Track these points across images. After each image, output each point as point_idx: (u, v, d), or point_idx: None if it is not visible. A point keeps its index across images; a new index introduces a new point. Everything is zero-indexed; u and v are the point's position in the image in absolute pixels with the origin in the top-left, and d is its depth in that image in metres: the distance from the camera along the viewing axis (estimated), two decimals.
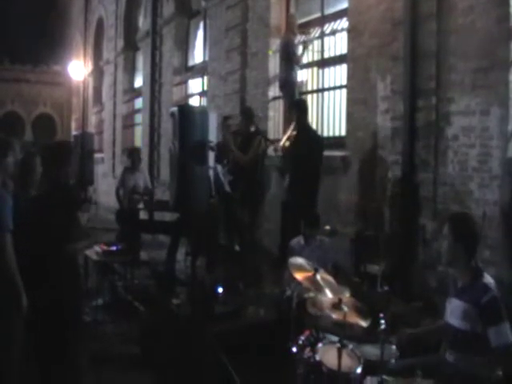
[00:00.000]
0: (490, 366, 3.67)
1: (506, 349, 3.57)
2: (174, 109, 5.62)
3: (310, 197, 6.90)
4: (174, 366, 5.22)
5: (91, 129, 19.68)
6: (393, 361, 3.96)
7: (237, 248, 7.83)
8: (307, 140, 7.21)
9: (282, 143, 7.61)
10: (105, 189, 16.48)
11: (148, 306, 6.90)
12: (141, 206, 9.49)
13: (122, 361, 5.80)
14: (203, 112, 5.65)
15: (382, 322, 3.50)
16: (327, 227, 5.91)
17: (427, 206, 6.40)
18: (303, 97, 8.77)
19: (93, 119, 20.82)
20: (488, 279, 3.78)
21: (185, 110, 5.53)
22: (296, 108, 7.45)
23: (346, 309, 3.94)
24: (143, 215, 9.28)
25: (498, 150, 5.70)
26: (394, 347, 4.08)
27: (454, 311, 3.86)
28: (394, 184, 6.81)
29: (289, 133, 7.51)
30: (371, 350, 4.02)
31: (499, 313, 3.64)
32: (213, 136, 5.94)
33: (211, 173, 6.27)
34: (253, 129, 7.94)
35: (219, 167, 7.46)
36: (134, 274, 7.81)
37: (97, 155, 18.99)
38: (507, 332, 3.60)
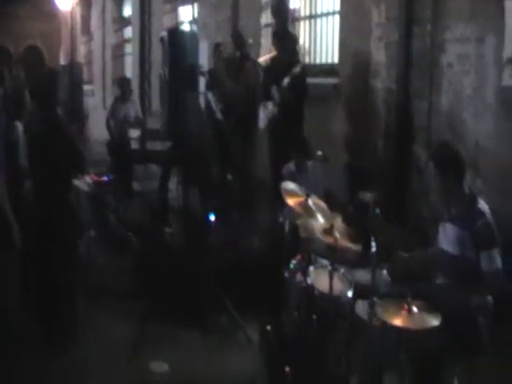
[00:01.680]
0: (481, 292, 3.72)
1: (496, 274, 3.61)
2: (164, 33, 5.48)
3: (295, 124, 6.86)
4: (168, 297, 5.27)
5: (80, 59, 19.35)
6: (384, 286, 4.01)
7: (229, 177, 7.82)
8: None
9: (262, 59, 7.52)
10: (96, 121, 16.32)
11: (141, 237, 6.93)
12: (132, 135, 9.43)
13: (115, 293, 5.86)
14: (193, 36, 5.51)
15: (373, 245, 3.51)
16: (319, 153, 5.87)
17: (421, 134, 6.37)
18: (296, 23, 8.61)
19: (81, 50, 20.43)
20: (482, 205, 3.78)
21: (175, 34, 5.38)
22: (275, 40, 7.34)
23: (337, 234, 3.96)
24: (135, 145, 9.21)
25: (493, 77, 5.63)
26: (385, 272, 4.12)
27: (447, 237, 3.88)
28: (387, 112, 6.76)
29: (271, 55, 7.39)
30: (362, 275, 4.05)
31: (492, 238, 3.65)
32: (204, 64, 5.83)
33: (202, 99, 6.19)
34: (244, 54, 7.81)
35: (210, 94, 7.37)
36: (126, 205, 7.81)
37: (86, 87, 18.73)
38: (498, 258, 3.63)
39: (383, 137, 6.83)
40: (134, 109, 9.76)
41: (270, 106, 7.13)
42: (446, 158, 3.88)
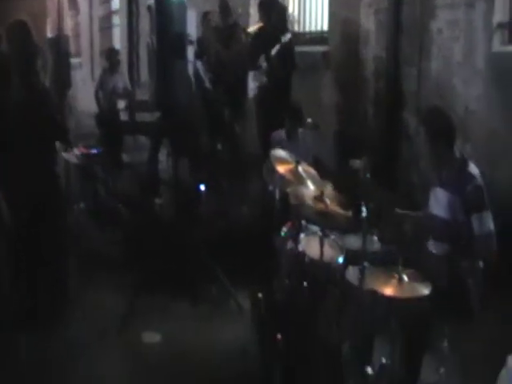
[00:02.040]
0: (471, 255, 3.72)
1: (487, 237, 3.61)
2: (151, 1, 5.38)
3: (284, 93, 6.81)
4: (158, 268, 5.25)
5: (67, 32, 19.06)
6: (374, 251, 4.01)
7: (219, 147, 7.75)
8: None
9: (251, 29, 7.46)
10: (84, 94, 16.11)
11: (131, 208, 6.89)
12: (120, 107, 9.33)
13: (106, 264, 5.82)
14: (181, 4, 5.39)
15: (364, 210, 3.49)
16: (309, 120, 5.82)
17: (411, 101, 6.35)
18: None
19: (68, 23, 20.12)
20: (473, 168, 3.76)
21: (162, 2, 5.28)
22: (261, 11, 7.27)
23: (328, 201, 3.93)
24: (124, 117, 9.11)
25: (482, 43, 5.60)
26: (375, 238, 4.12)
27: (438, 201, 3.86)
28: (377, 79, 6.72)
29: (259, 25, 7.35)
30: (354, 241, 4.04)
31: (483, 201, 3.64)
32: (192, 33, 5.75)
33: (191, 69, 6.11)
34: (232, 23, 7.74)
35: (199, 63, 7.29)
36: (115, 177, 7.76)
37: (74, 60, 18.46)
38: (489, 221, 3.62)
39: (373, 104, 6.80)
40: (122, 80, 9.66)
41: (259, 75, 7.09)
42: (436, 123, 3.84)
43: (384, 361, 3.51)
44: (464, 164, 3.77)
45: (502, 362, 3.07)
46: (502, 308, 4.62)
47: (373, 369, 3.59)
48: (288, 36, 6.98)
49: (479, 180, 3.68)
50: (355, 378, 3.56)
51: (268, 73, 7.02)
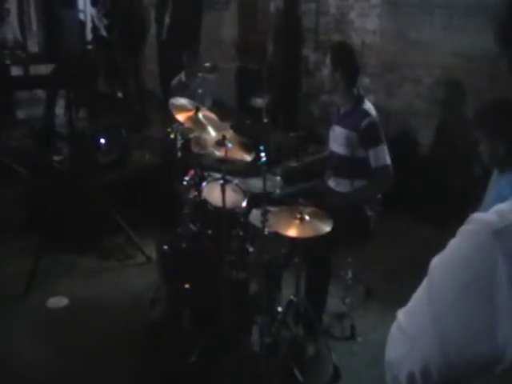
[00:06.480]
0: (369, 188, 3.81)
1: (383, 169, 3.70)
2: None
3: (192, 33, 6.66)
4: (61, 227, 5.05)
5: None
6: (277, 191, 4.00)
7: (119, 95, 7.48)
8: None
9: None
10: None
11: (29, 168, 6.55)
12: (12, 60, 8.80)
13: (7, 229, 5.52)
14: None
15: (263, 153, 3.45)
16: (207, 64, 5.66)
17: (310, 36, 6.35)
18: None
19: None
20: (368, 105, 3.84)
21: None
22: None
23: (229, 145, 3.86)
24: (16, 71, 8.61)
25: None
26: (278, 178, 4.10)
27: (336, 138, 3.93)
28: (276, 16, 6.66)
29: None
30: (257, 183, 4.00)
31: (378, 136, 3.73)
32: None
33: (83, 17, 5.84)
34: None
35: (94, 11, 6.95)
36: (10, 135, 7.38)
37: None
38: (385, 154, 3.72)
39: (273, 41, 6.77)
40: (11, 31, 9.09)
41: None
42: (341, 54, 3.86)
43: (292, 297, 3.55)
44: (360, 101, 3.83)
45: (402, 285, 3.15)
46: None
47: (282, 306, 3.64)
48: None
49: (374, 116, 3.74)
50: (264, 316, 3.58)
51: (171, 14, 6.84)
